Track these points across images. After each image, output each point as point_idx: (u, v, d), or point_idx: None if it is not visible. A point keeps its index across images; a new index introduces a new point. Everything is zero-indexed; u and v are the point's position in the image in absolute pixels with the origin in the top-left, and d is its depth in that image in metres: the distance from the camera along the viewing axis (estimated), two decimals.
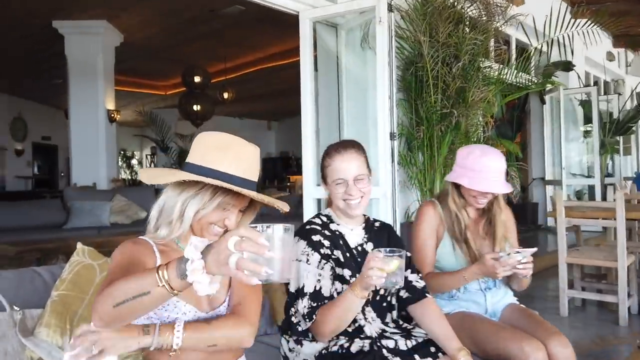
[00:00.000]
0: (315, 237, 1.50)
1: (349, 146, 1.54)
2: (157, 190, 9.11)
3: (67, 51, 6.76)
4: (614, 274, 3.45)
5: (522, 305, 1.90)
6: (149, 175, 1.24)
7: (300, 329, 1.46)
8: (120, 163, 12.95)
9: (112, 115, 6.94)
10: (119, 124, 7.90)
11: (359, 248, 1.58)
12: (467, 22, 3.96)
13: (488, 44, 4.27)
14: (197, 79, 8.37)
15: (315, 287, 1.42)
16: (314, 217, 1.61)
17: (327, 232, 1.54)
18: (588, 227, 5.64)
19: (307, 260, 1.46)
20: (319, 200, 3.84)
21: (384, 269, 1.22)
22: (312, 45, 3.89)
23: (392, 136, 3.58)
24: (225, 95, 8.99)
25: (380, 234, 1.65)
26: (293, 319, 1.48)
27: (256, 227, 0.89)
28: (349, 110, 4.25)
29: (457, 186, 1.83)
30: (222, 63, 8.80)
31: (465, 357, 1.40)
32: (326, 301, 1.42)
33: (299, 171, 12.93)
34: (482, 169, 1.71)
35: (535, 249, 1.65)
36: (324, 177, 1.57)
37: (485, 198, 1.78)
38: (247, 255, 0.84)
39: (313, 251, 1.47)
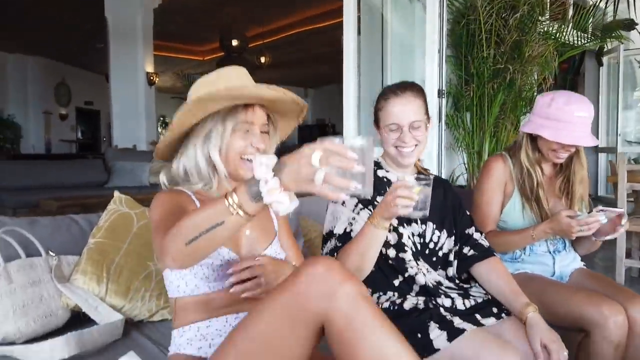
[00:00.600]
0: None
1: (408, 88, 1.40)
2: None
3: (107, 12, 6.74)
4: None
5: (591, 270, 1.73)
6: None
7: None
8: (159, 130, 13.12)
9: (152, 78, 6.93)
10: (158, 89, 7.92)
11: None
12: None
13: None
14: (234, 42, 8.26)
15: (345, 229, 1.34)
16: None
17: None
18: None
19: (343, 202, 1.37)
20: None
21: (412, 197, 1.13)
22: (356, 2, 3.68)
23: (440, 93, 3.37)
24: (263, 59, 8.85)
25: (434, 186, 1.50)
26: None
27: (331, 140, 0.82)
28: (393, 72, 4.04)
29: (532, 138, 1.65)
30: (260, 27, 8.63)
31: (533, 312, 1.27)
32: None
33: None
34: (569, 119, 1.51)
35: (622, 210, 1.47)
36: (376, 120, 1.44)
37: (567, 152, 1.59)
38: (331, 171, 0.78)
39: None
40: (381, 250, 1.32)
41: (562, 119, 1.52)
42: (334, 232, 1.35)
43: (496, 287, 1.38)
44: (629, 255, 3.49)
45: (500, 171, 1.70)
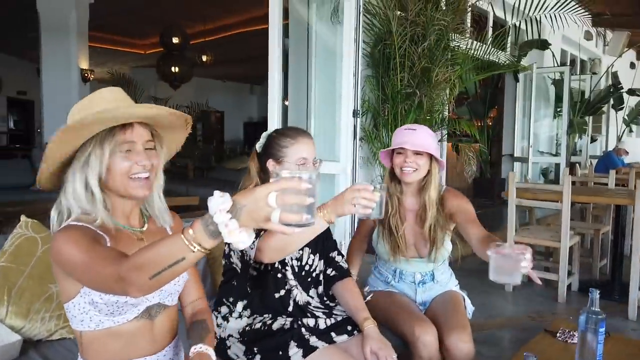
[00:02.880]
0: None
1: (307, 133, 1.63)
2: None
3: (38, 6, 6.56)
4: (560, 253, 3.63)
5: (459, 293, 1.94)
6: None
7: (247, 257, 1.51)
8: None
9: (86, 74, 6.82)
10: (98, 81, 7.78)
11: None
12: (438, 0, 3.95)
13: (460, 20, 4.26)
14: (175, 39, 8.21)
15: None
16: None
17: None
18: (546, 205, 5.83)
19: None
20: None
21: (373, 199, 1.28)
22: (281, 13, 3.85)
23: (355, 113, 3.63)
24: (204, 58, 8.85)
25: None
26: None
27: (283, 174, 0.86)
28: (318, 83, 4.25)
29: (393, 172, 1.88)
30: (202, 24, 8.63)
31: (369, 325, 1.52)
32: None
33: None
34: (399, 132, 1.84)
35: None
36: (275, 155, 1.58)
37: (408, 166, 1.78)
38: (285, 207, 0.83)
39: None
40: (272, 265, 1.55)
41: (396, 134, 1.86)
42: None
43: (346, 304, 1.64)
44: None
45: None
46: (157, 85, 10.73)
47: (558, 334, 1.69)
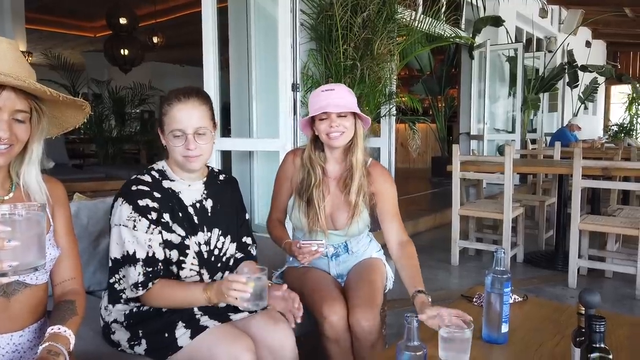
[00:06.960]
0: (142, 202, 1.35)
1: (192, 94, 1.39)
2: (69, 140, 8.66)
3: None
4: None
5: (378, 260, 1.81)
6: None
7: (124, 296, 1.37)
8: None
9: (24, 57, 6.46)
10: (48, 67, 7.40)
11: (197, 205, 1.46)
12: None
13: None
14: (122, 20, 7.87)
15: (147, 253, 1.32)
16: (144, 174, 1.44)
17: (156, 194, 1.39)
18: (498, 181, 5.84)
19: (134, 226, 1.33)
20: (222, 152, 3.75)
21: (246, 290, 1.22)
22: None
23: (294, 87, 3.48)
24: (155, 39, 8.54)
25: (223, 189, 1.55)
26: (116, 286, 1.38)
27: None
28: (259, 56, 4.09)
29: (316, 138, 1.72)
30: (152, 5, 8.29)
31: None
32: (161, 265, 1.34)
33: None
34: (317, 94, 1.65)
35: (323, 241, 1.59)
36: (160, 125, 1.41)
37: (335, 130, 1.62)
38: None
39: (140, 217, 1.35)
40: (165, 252, 1.38)
41: (313, 98, 1.66)
42: (137, 256, 1.32)
43: None
44: (467, 237, 3.87)
45: (287, 165, 1.80)
46: (110, 70, 10.31)
47: (474, 299, 1.63)
